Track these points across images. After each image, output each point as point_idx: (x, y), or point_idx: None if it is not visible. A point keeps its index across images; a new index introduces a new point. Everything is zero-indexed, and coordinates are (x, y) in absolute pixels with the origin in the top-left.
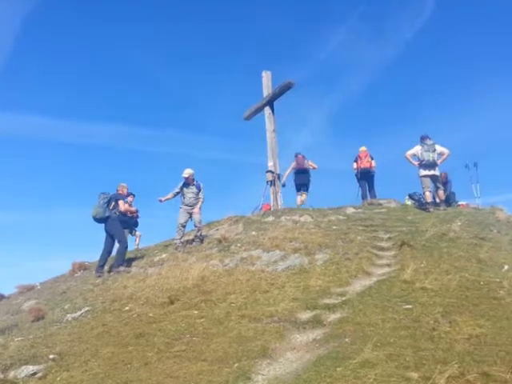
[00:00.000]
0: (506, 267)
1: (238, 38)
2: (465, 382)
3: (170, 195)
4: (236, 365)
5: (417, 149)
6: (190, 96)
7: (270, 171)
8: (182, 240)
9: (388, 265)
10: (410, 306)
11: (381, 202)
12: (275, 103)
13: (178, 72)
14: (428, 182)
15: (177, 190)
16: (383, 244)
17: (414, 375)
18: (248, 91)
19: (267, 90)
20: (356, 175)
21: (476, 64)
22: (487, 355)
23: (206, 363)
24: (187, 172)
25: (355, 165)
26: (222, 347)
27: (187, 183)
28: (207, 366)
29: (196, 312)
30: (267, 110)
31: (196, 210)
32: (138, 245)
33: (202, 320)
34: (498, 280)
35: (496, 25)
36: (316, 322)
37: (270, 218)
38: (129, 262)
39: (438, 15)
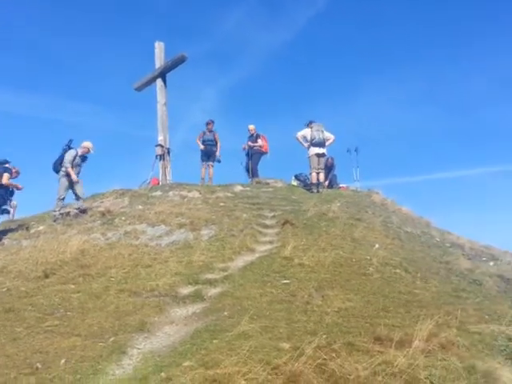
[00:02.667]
0: (376, 246)
1: (134, 4)
2: (331, 351)
3: (71, 169)
4: (112, 339)
5: (306, 131)
6: (77, 62)
7: (160, 145)
8: (61, 212)
9: (271, 242)
10: (287, 281)
11: (268, 181)
12: (168, 76)
13: (67, 40)
14: (316, 162)
15: (74, 161)
16: (267, 222)
17: (286, 346)
18: (141, 62)
19: (159, 61)
20: (246, 154)
21: (363, 57)
22: (353, 327)
23: (80, 338)
24: (88, 145)
25: (246, 144)
26: (97, 322)
27: (85, 156)
28: (81, 340)
29: (73, 286)
30: (159, 82)
31: (75, 179)
32: (13, 215)
33: (78, 294)
34: (368, 258)
35: (387, 19)
36: (196, 297)
37: (158, 193)
38: (1, 234)
39: (332, 5)
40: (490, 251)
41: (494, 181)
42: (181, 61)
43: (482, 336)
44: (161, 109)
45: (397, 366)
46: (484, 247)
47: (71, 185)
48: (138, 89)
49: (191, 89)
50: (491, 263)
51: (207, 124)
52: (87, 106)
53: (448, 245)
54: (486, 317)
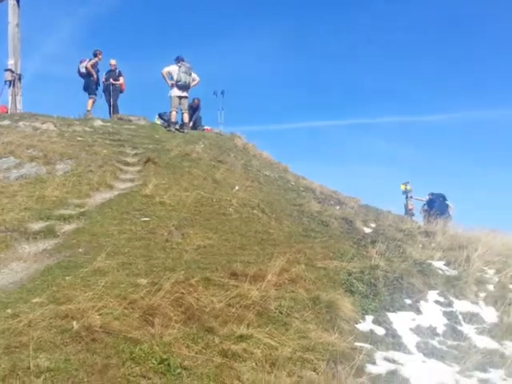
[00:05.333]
0: (236, 187)
1: None
2: (188, 285)
3: None
4: None
5: (174, 68)
6: None
7: (10, 70)
8: None
9: (131, 180)
10: (147, 219)
11: (131, 118)
12: None
13: None
14: (177, 102)
15: None
16: (129, 159)
17: (143, 281)
18: None
19: None
20: (103, 89)
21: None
22: (211, 263)
23: None
24: None
25: (104, 78)
26: None
27: None
28: None
29: None
30: (11, 0)
31: None
32: None
33: None
34: (228, 198)
35: None
36: (49, 233)
37: (6, 122)
38: None
39: None
40: (337, 196)
41: (343, 133)
42: None
43: (327, 271)
44: (12, 30)
45: (250, 298)
46: (332, 192)
47: None
48: None
49: (47, 17)
50: (337, 207)
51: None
52: None
53: (302, 189)
54: (331, 254)
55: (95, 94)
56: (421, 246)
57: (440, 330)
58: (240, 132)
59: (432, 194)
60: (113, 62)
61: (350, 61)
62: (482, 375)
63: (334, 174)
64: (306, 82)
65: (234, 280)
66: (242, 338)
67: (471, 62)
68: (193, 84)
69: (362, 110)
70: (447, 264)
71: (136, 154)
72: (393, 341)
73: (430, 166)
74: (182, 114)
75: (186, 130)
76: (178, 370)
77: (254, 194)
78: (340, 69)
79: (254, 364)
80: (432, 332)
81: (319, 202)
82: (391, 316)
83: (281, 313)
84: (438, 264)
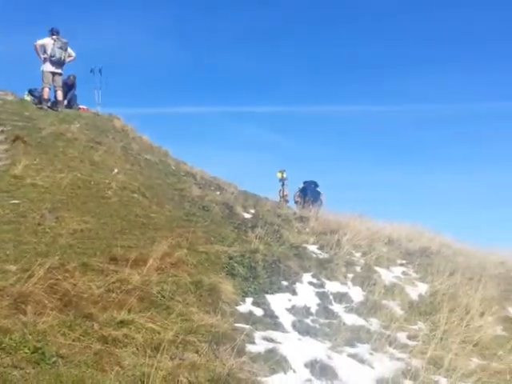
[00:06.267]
0: (115, 170)
1: None
2: (64, 271)
3: None
4: None
5: (48, 41)
6: None
7: None
8: None
9: None
10: (17, 201)
11: None
12: None
13: None
14: (50, 78)
15: None
16: None
17: (12, 268)
18: None
19: None
20: None
21: None
22: (89, 248)
23: None
24: None
25: None
26: None
27: None
28: None
29: None
30: None
31: None
32: None
33: None
34: (107, 181)
35: None
36: None
37: None
38: None
39: None
40: (218, 182)
41: (222, 120)
42: None
43: (209, 255)
44: None
45: (131, 283)
46: (213, 178)
47: None
48: None
49: None
50: (218, 192)
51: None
52: None
53: (183, 174)
54: (212, 238)
55: None
56: (296, 230)
57: (313, 309)
58: (119, 114)
59: (305, 182)
60: None
61: (231, 48)
62: (351, 350)
63: (213, 159)
64: (189, 64)
65: (113, 265)
66: (122, 323)
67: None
68: (68, 60)
69: (239, 97)
70: (320, 248)
71: (2, 132)
72: (271, 321)
73: (304, 155)
74: (56, 91)
75: (59, 109)
76: (54, 359)
77: (134, 178)
78: (224, 55)
79: (135, 349)
80: (306, 311)
81: (200, 188)
82: (269, 297)
83: (163, 297)
84: (312, 248)
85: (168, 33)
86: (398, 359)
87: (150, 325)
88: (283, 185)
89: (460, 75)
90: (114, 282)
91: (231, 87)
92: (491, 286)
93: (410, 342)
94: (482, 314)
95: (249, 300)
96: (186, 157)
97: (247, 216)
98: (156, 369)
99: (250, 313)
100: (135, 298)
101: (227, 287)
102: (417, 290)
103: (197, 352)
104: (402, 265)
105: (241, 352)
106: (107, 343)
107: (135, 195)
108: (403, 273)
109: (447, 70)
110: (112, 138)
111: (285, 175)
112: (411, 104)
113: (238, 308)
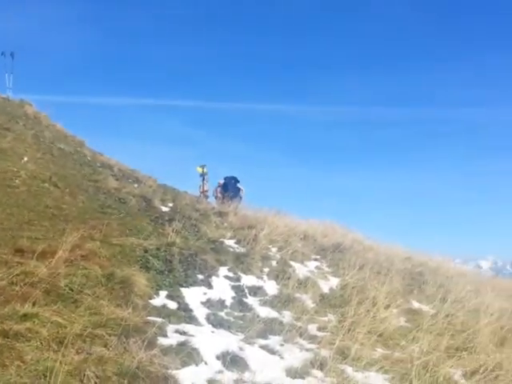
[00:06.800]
0: (25, 158)
1: None
2: None
3: None
4: None
5: None
6: None
7: None
8: None
9: None
10: None
11: None
12: None
13: None
14: None
15: None
16: None
17: None
18: None
19: None
20: None
21: None
22: None
23: None
24: None
25: None
26: None
27: None
28: None
29: None
30: None
31: None
32: None
33: None
34: (15, 169)
35: None
36: None
37: None
38: None
39: None
40: (136, 174)
41: (141, 112)
42: None
43: (123, 248)
44: None
45: (37, 275)
46: (131, 170)
47: None
48: None
49: None
50: (136, 185)
51: None
52: None
53: (99, 165)
54: (128, 231)
55: None
56: (214, 225)
57: (228, 302)
58: (32, 100)
59: (226, 178)
60: None
61: (154, 40)
62: (263, 341)
63: (133, 152)
64: (111, 55)
65: (19, 257)
66: (26, 316)
67: (261, 57)
68: None
69: (161, 90)
70: (237, 242)
71: None
72: (184, 314)
73: (225, 151)
74: None
75: None
76: None
77: (45, 167)
78: (147, 46)
79: (39, 343)
80: (221, 305)
81: (117, 179)
82: (184, 291)
83: (71, 290)
84: (230, 242)
85: (90, 20)
86: (308, 350)
87: (56, 318)
88: (203, 180)
89: (380, 79)
90: (18, 275)
91: (154, 80)
92: (397, 280)
93: (320, 333)
94: (387, 307)
95: (163, 293)
96: (105, 149)
97: (165, 209)
98: (61, 363)
99: (164, 306)
100: (41, 291)
101: (141, 280)
102: (328, 284)
103: (105, 346)
104: (315, 259)
105: (152, 345)
106: (8, 337)
107: (46, 185)
108: (316, 267)
109: (368, 73)
110: (23, 125)
111: (205, 170)
112: (327, 106)
113: (152, 301)
